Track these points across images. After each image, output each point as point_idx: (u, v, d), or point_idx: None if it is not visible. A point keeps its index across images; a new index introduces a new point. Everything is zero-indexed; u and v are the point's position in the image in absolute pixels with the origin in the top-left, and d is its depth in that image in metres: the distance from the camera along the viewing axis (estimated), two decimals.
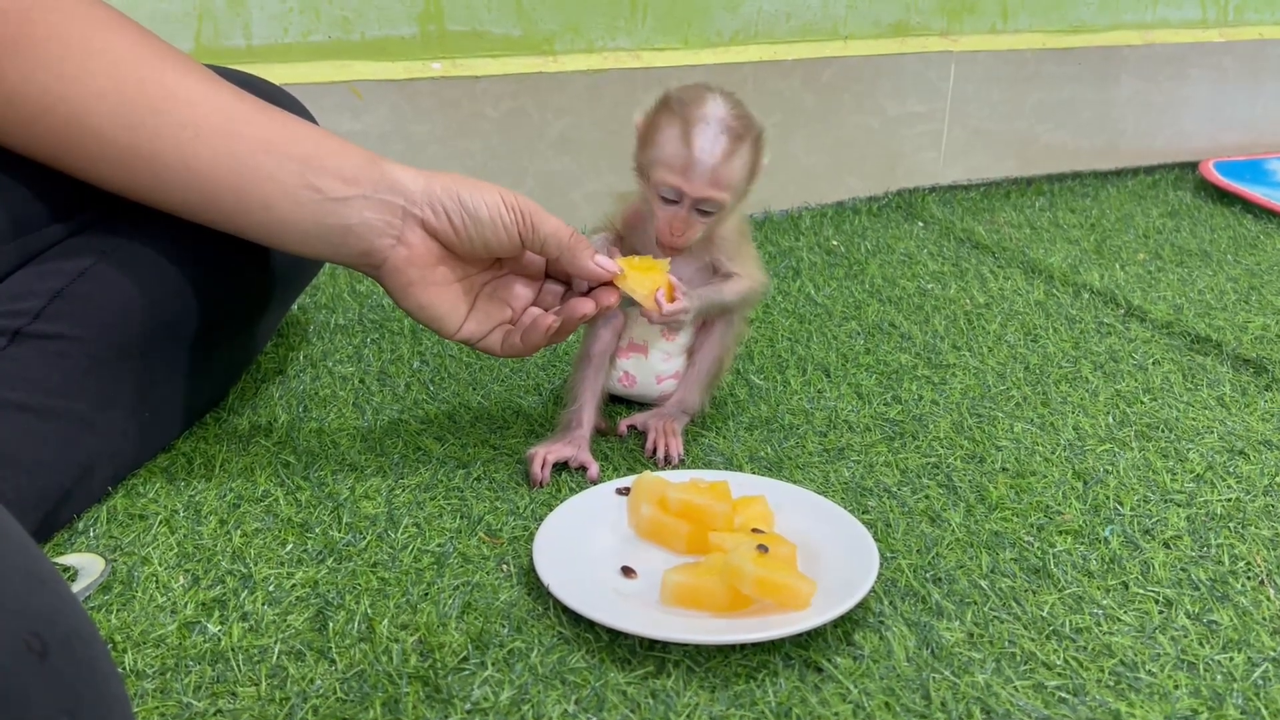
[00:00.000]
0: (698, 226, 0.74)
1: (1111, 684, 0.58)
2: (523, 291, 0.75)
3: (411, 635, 0.60)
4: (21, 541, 0.42)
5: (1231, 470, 0.79)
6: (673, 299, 0.73)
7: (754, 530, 0.67)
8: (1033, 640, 0.61)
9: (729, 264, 0.78)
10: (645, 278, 0.73)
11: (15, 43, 0.64)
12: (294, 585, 0.64)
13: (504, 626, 0.61)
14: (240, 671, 0.58)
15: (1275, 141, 1.67)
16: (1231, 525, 0.72)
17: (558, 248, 0.71)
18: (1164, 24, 1.58)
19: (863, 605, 0.63)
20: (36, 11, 0.65)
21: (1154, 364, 0.96)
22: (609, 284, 0.73)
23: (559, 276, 0.76)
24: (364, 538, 0.69)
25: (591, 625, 0.61)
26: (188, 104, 0.66)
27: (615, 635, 0.60)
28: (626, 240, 0.78)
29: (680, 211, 0.73)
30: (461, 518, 0.71)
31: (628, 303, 0.75)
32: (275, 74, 1.05)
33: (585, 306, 0.72)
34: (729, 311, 0.80)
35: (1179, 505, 0.74)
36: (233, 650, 0.59)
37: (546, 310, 0.74)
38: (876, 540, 0.67)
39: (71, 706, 0.39)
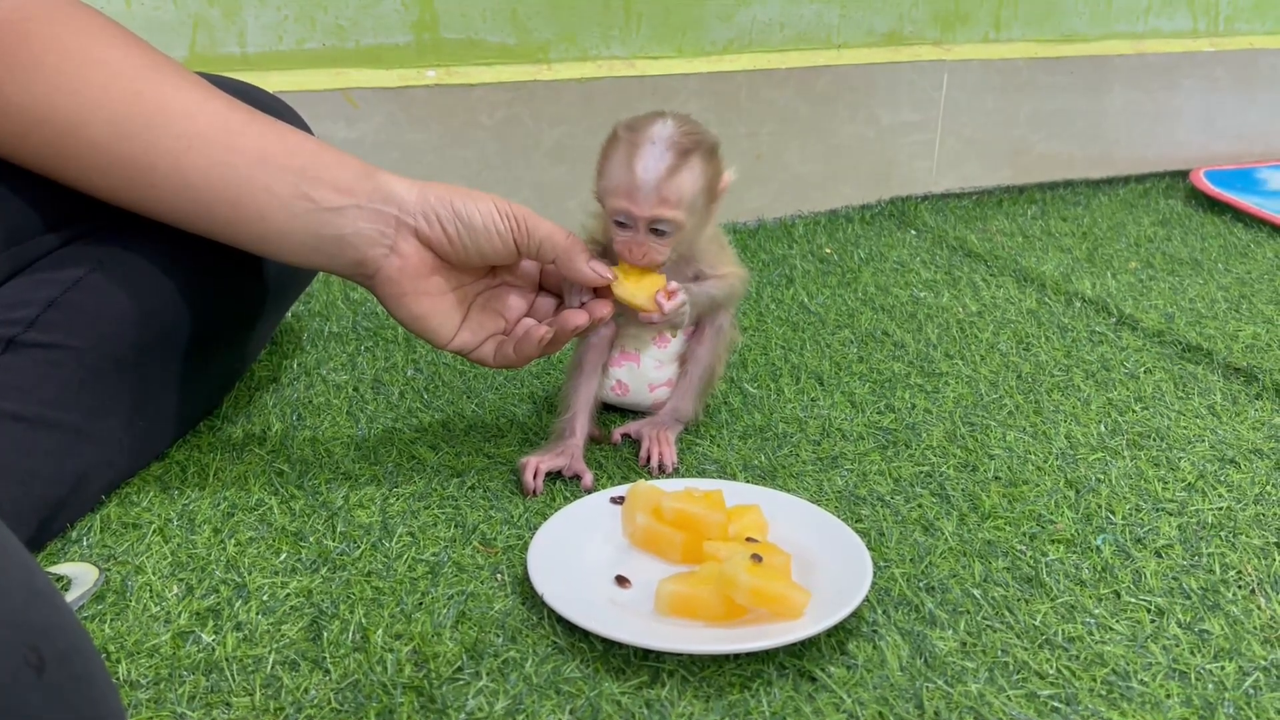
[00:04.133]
0: (658, 248, 0.73)
1: (1104, 693, 0.58)
2: (516, 302, 0.75)
3: (406, 645, 0.60)
4: (20, 556, 0.42)
5: (1222, 479, 0.79)
6: (670, 297, 0.74)
7: (748, 539, 0.67)
8: (1025, 649, 0.61)
9: (710, 270, 0.79)
10: (640, 283, 0.74)
11: (12, 53, 0.64)
12: (288, 595, 0.64)
13: (499, 636, 0.61)
14: (234, 681, 0.57)
15: (1266, 150, 1.68)
16: (1223, 534, 0.72)
17: (553, 250, 0.71)
18: (1155, 34, 1.59)
19: (856, 614, 0.63)
20: (34, 23, 0.65)
21: (1145, 372, 0.97)
22: (603, 295, 0.73)
23: (552, 289, 0.76)
24: (358, 547, 0.69)
25: (586, 635, 0.61)
26: (183, 116, 0.67)
27: (610, 645, 0.60)
28: (610, 252, 0.79)
29: (636, 236, 0.72)
30: (456, 527, 0.72)
31: (619, 313, 0.75)
32: (270, 82, 1.05)
33: (578, 318, 0.72)
34: (718, 306, 0.81)
35: (1170, 514, 0.75)
36: (227, 660, 0.59)
37: (540, 321, 0.74)
38: (870, 549, 0.67)
39: None
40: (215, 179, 0.67)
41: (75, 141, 0.66)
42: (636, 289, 0.73)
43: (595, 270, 0.71)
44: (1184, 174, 1.61)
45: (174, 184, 0.67)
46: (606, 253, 0.79)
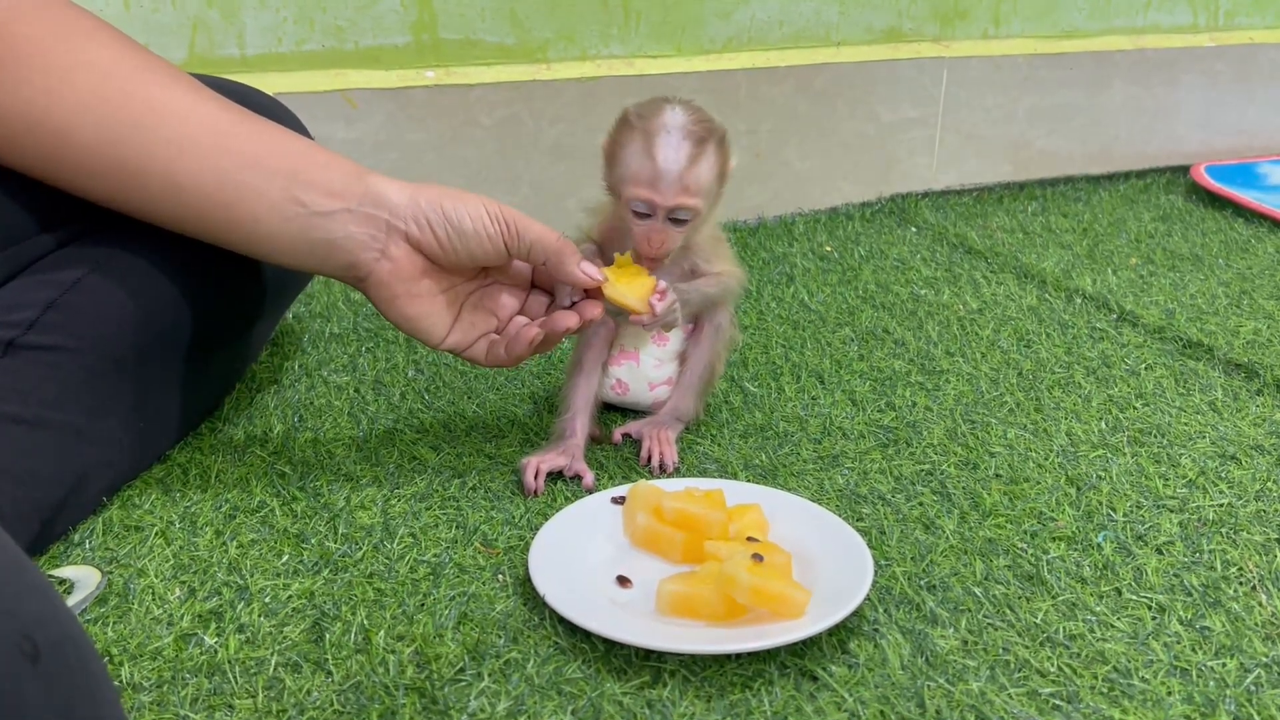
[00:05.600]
0: (675, 236, 0.74)
1: (1105, 691, 0.58)
2: (508, 301, 0.75)
3: (408, 646, 0.61)
4: (12, 551, 0.42)
5: (1223, 475, 0.79)
6: (660, 298, 0.74)
7: (749, 539, 0.67)
8: (1026, 647, 0.61)
9: (706, 266, 0.79)
10: (632, 285, 0.74)
11: None
12: (290, 596, 0.65)
13: (500, 637, 0.61)
14: (237, 684, 0.58)
15: (1266, 145, 1.67)
16: (1224, 531, 0.72)
17: (544, 253, 0.70)
18: (1155, 29, 1.59)
19: (857, 613, 0.63)
20: (19, 25, 0.65)
21: (1146, 369, 0.97)
22: (594, 296, 0.73)
23: (545, 286, 0.76)
24: (360, 548, 0.69)
25: (588, 635, 0.61)
26: (174, 118, 0.66)
27: (611, 645, 0.60)
28: (606, 251, 0.79)
29: (655, 224, 0.73)
30: (457, 528, 0.72)
31: (614, 312, 0.75)
32: (269, 83, 1.05)
33: (569, 320, 0.72)
34: (713, 304, 0.81)
35: (1171, 511, 0.75)
36: (229, 662, 0.59)
37: (532, 320, 0.74)
38: (871, 548, 0.67)
39: (64, 710, 0.40)
40: (206, 183, 0.66)
41: (66, 145, 0.66)
42: (628, 290, 0.73)
43: (586, 272, 0.71)
44: (1184, 169, 1.60)
45: (164, 188, 0.67)
46: (600, 251, 0.79)
